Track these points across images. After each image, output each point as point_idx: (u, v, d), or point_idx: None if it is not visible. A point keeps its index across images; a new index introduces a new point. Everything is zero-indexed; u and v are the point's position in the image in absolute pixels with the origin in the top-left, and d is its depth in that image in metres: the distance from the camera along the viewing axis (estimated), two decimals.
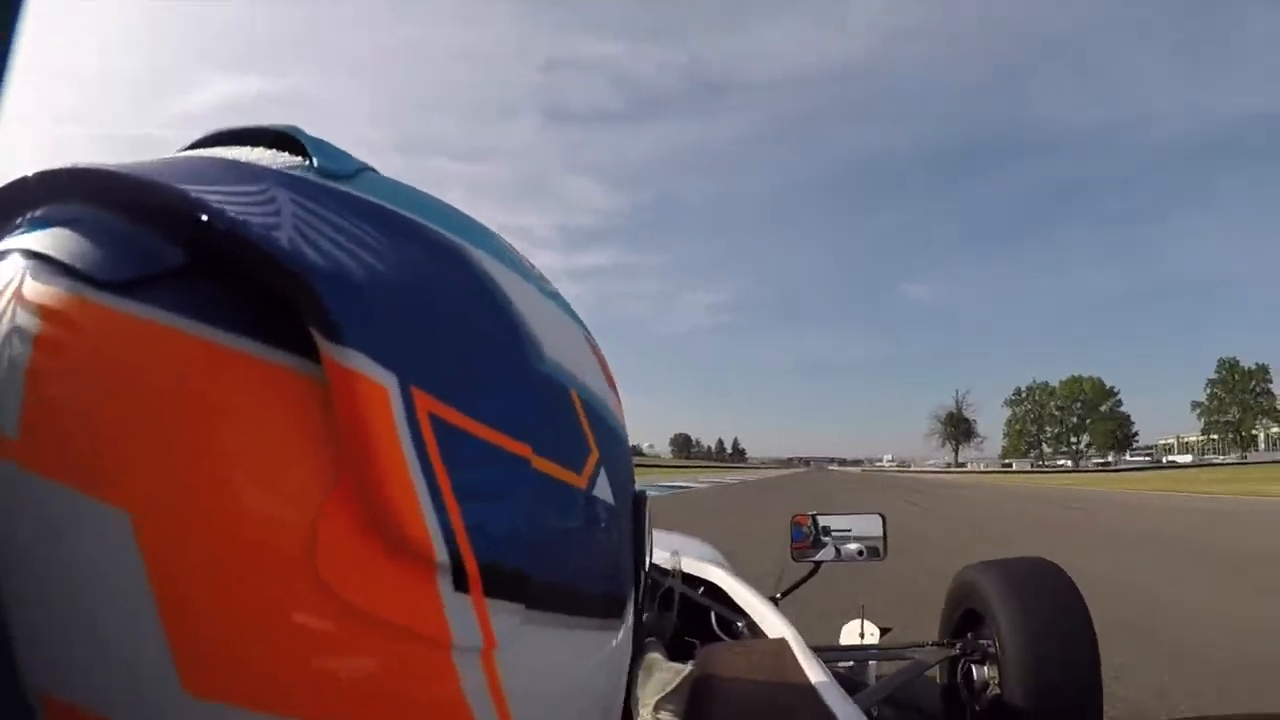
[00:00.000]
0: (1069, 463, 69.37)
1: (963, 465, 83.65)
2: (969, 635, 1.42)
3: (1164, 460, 65.68)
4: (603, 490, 0.25)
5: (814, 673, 0.65)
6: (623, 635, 0.28)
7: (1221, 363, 61.69)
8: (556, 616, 0.23)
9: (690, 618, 1.04)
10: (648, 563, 0.32)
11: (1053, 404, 72.89)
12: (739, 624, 0.98)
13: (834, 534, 1.47)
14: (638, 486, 0.30)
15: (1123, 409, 70.33)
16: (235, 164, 0.23)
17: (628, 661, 0.30)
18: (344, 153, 0.25)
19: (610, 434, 0.27)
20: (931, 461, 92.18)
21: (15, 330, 0.19)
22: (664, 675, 0.64)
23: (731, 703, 0.59)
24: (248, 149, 0.24)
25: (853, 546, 1.45)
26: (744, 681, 0.64)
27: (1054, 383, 73.68)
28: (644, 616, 0.32)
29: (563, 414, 0.24)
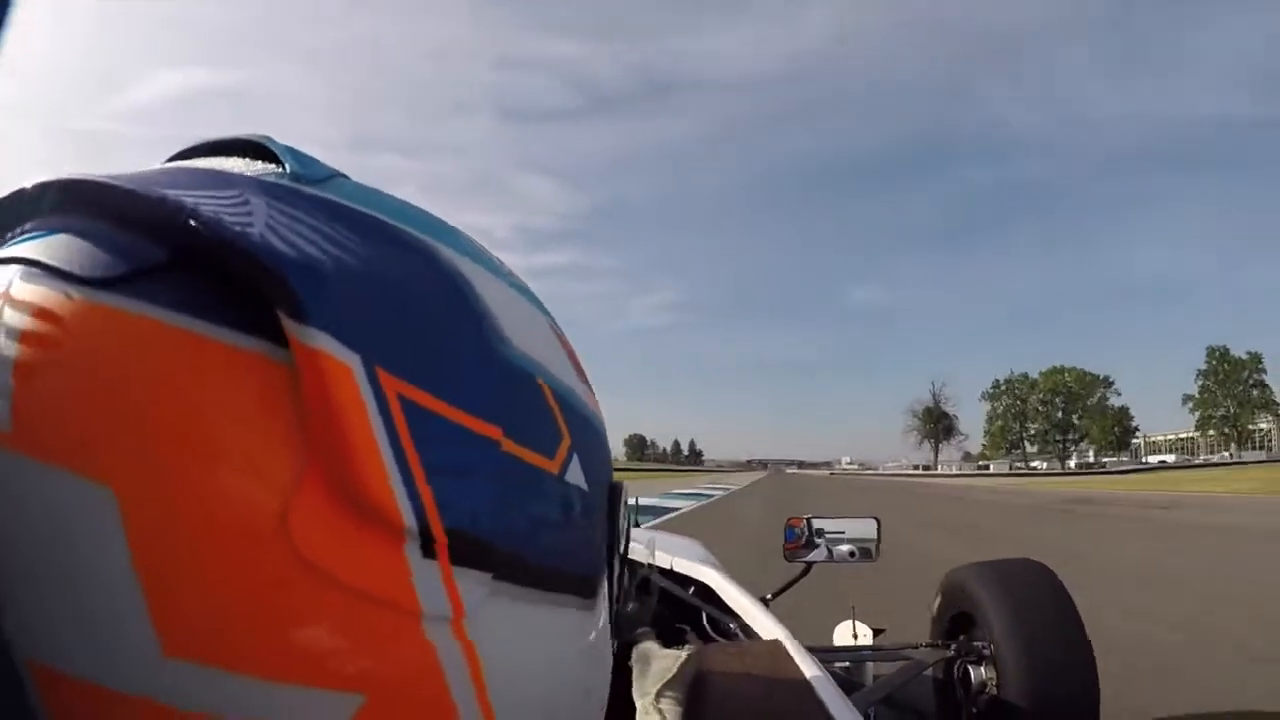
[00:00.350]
0: (1042, 464, 62.42)
1: (928, 468, 75.73)
2: (962, 637, 1.42)
3: (1145, 460, 59.31)
4: (575, 476, 0.26)
5: (811, 673, 0.65)
6: (599, 618, 0.29)
7: (1211, 352, 53.47)
8: (526, 590, 0.24)
9: (681, 617, 1.04)
10: (622, 549, 0.32)
11: (1035, 397, 64.37)
12: (731, 625, 0.97)
13: (827, 536, 1.47)
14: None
15: (1120, 401, 62.13)
16: (211, 172, 0.24)
17: (609, 648, 0.31)
18: (315, 160, 0.26)
19: (583, 422, 0.28)
20: (893, 464, 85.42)
21: (4, 329, 0.20)
22: (662, 664, 0.64)
23: (729, 704, 0.58)
24: (224, 159, 0.25)
25: (845, 548, 1.45)
26: (741, 682, 0.64)
27: (1035, 374, 65.34)
28: (628, 606, 0.33)
29: (532, 401, 0.25)
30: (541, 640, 0.25)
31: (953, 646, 1.39)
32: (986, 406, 68.73)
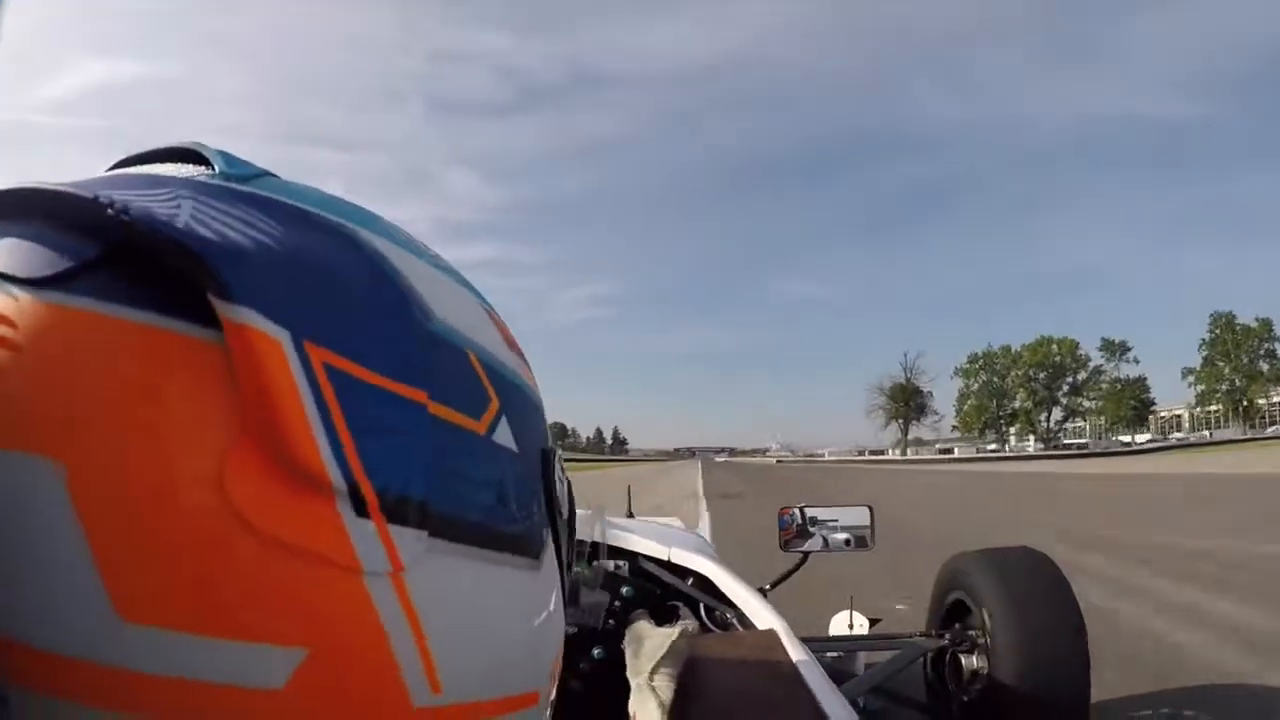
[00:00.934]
0: (1031, 446, 52.62)
1: (879, 452, 65.81)
2: (957, 626, 1.41)
3: (1131, 442, 47.03)
4: (503, 437, 0.28)
5: (803, 663, 0.65)
6: (543, 578, 0.30)
7: (1215, 319, 46.17)
8: (463, 548, 0.25)
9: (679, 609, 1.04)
10: (563, 513, 0.33)
11: (1016, 373, 55.03)
12: (728, 615, 0.97)
13: (821, 524, 1.46)
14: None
15: (1136, 371, 51.37)
16: (145, 175, 0.26)
17: (560, 614, 0.32)
18: (245, 161, 0.27)
19: (512, 388, 0.29)
20: (832, 450, 75.02)
21: None
22: (655, 641, 0.64)
23: (722, 694, 0.59)
24: (159, 165, 0.27)
25: (840, 536, 1.44)
26: (734, 673, 0.64)
27: (1018, 346, 55.39)
28: (573, 569, 0.34)
29: (457, 367, 0.27)
30: (482, 596, 0.26)
31: (946, 636, 1.38)
32: (960, 383, 58.52)
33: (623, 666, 0.61)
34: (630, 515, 1.68)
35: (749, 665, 0.66)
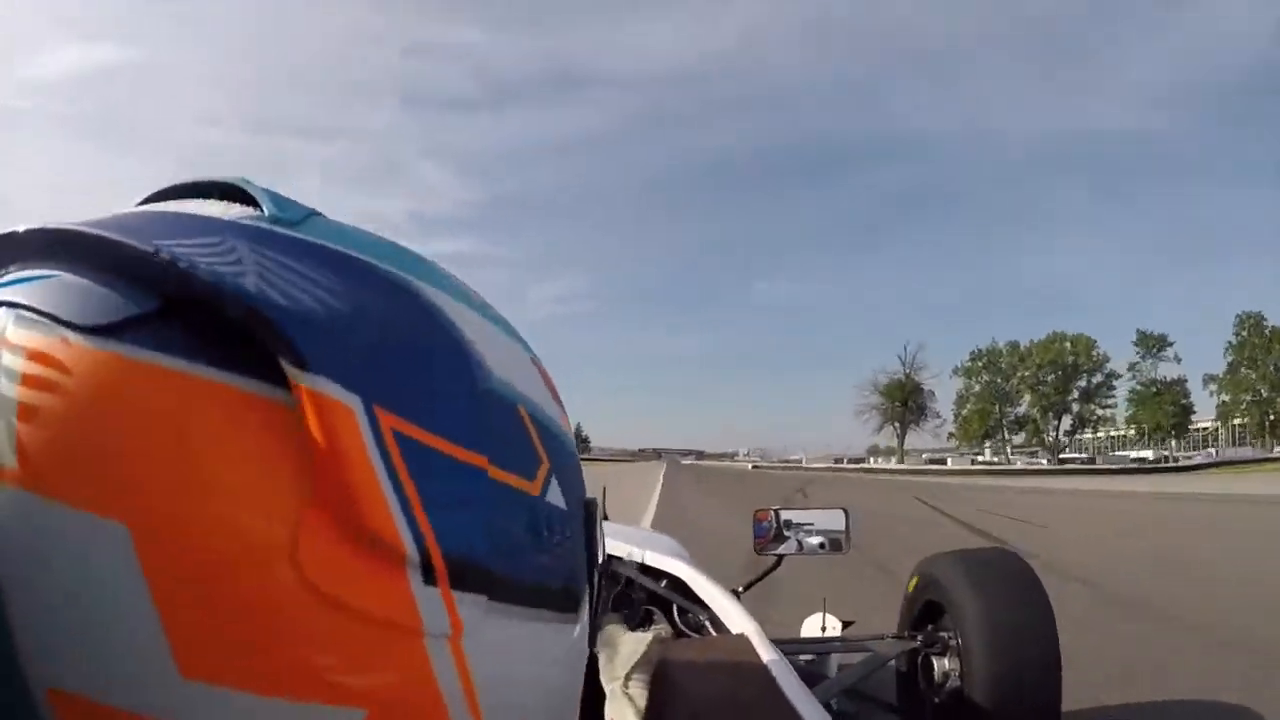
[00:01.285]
0: (1044, 460, 44.12)
1: (859, 461, 57.33)
2: (929, 627, 1.42)
3: (1211, 453, 39.30)
4: (555, 496, 0.28)
5: (775, 666, 0.65)
6: (580, 629, 0.30)
7: (1241, 320, 39.75)
8: (517, 609, 0.25)
9: (652, 609, 1.05)
10: (600, 561, 0.34)
11: (1023, 374, 47.04)
12: (702, 617, 0.99)
13: (796, 528, 1.48)
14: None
15: (1175, 372, 43.08)
16: (192, 217, 0.25)
17: (586, 654, 0.32)
18: (292, 201, 0.27)
19: (558, 445, 0.30)
20: (798, 456, 68.97)
21: (2, 370, 0.21)
22: (629, 647, 0.65)
23: (695, 700, 0.59)
24: (200, 201, 0.27)
25: (814, 540, 1.45)
26: (704, 675, 0.65)
27: (1027, 343, 47.03)
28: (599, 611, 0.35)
29: (513, 428, 0.27)
30: (528, 652, 0.27)
31: (918, 638, 1.39)
32: (960, 384, 50.21)
33: (596, 672, 0.62)
34: (605, 518, 1.70)
35: (722, 669, 0.67)
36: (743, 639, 0.76)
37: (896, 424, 53.43)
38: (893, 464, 49.79)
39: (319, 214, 0.28)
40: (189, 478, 0.20)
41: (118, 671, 0.20)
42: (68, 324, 0.21)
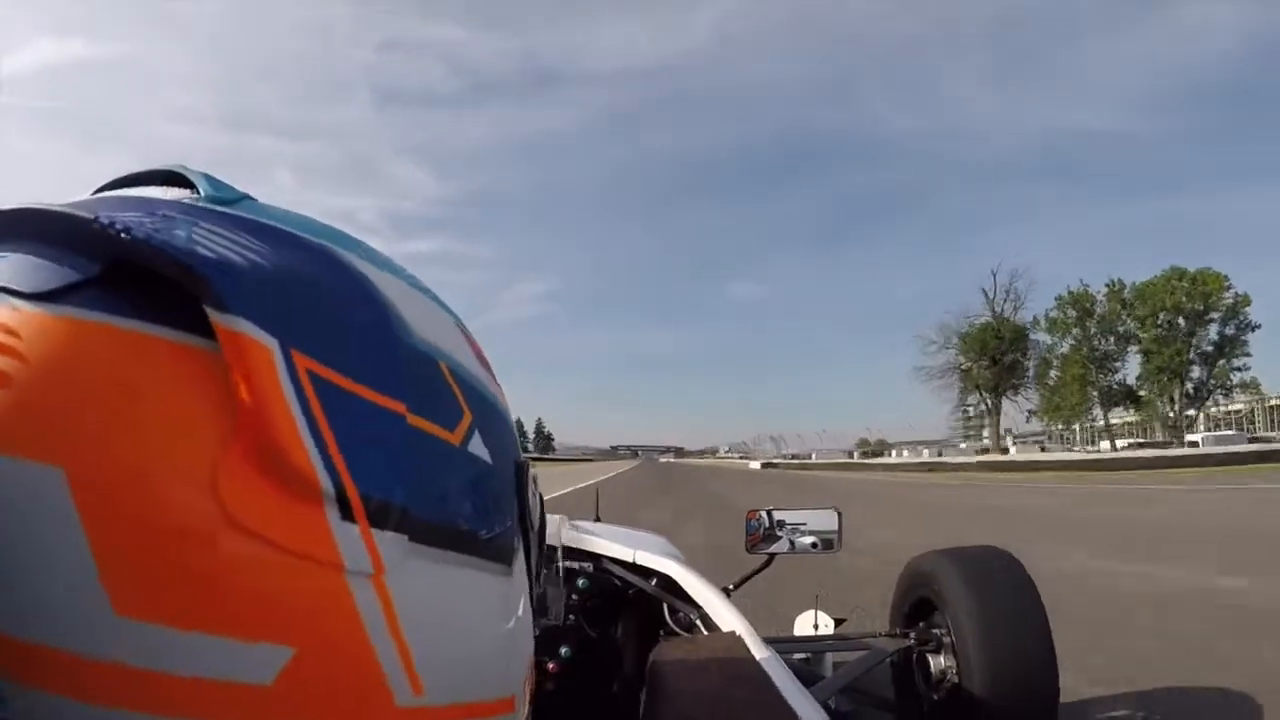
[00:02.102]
0: (1198, 441, 26.10)
1: (879, 454, 41.88)
2: (922, 624, 1.42)
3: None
4: (477, 448, 0.29)
5: (768, 665, 0.64)
6: (517, 589, 0.31)
7: None
8: (440, 552, 0.26)
9: (644, 607, 1.05)
10: (534, 524, 0.35)
11: (1128, 319, 32.43)
12: (692, 615, 0.98)
13: (788, 527, 1.46)
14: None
15: None
16: (135, 198, 0.27)
17: (530, 621, 0.33)
18: (227, 184, 0.29)
19: (483, 402, 0.31)
20: (820, 452, 56.72)
21: None
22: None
23: (685, 699, 0.58)
24: (144, 189, 0.28)
25: (806, 539, 1.44)
26: (697, 675, 0.63)
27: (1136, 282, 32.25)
28: (541, 578, 0.34)
29: (434, 381, 0.28)
30: (458, 600, 0.27)
31: (912, 635, 1.39)
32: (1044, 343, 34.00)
33: (591, 664, 0.60)
34: (597, 519, 1.67)
35: (715, 667, 0.66)
36: (735, 637, 0.75)
37: (987, 396, 33.98)
38: (1000, 454, 30.00)
39: (252, 198, 0.29)
40: (120, 422, 0.21)
41: (54, 613, 0.21)
42: (15, 293, 0.22)
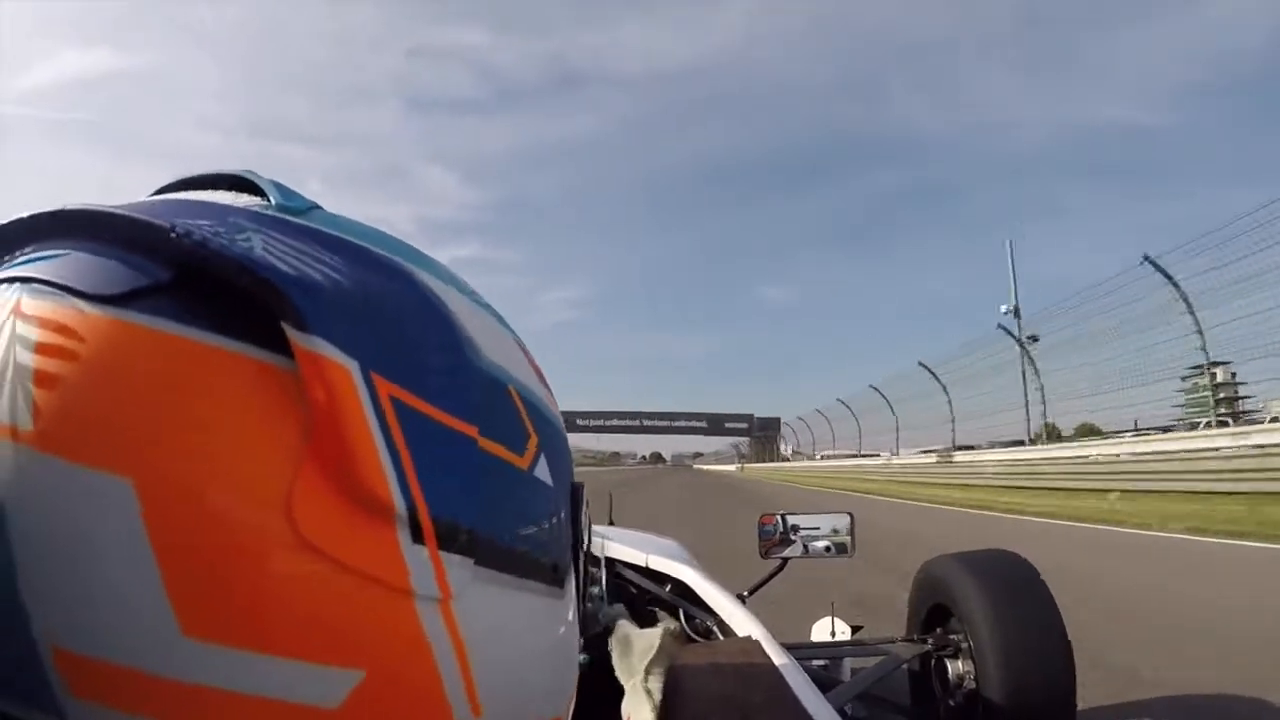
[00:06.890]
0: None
1: (945, 454, 18.25)
2: (938, 630, 1.41)
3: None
4: (542, 472, 0.29)
5: (786, 670, 0.65)
6: (567, 605, 0.31)
7: None
8: (504, 576, 0.26)
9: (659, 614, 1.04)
10: (585, 543, 0.35)
11: None
12: (708, 621, 0.98)
13: (801, 532, 1.47)
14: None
15: None
16: (203, 203, 0.27)
17: (576, 633, 0.33)
18: (296, 193, 0.29)
19: (548, 425, 0.31)
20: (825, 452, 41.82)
21: (18, 339, 0.22)
22: (643, 642, 0.65)
23: (703, 702, 0.59)
24: (211, 193, 0.28)
25: (820, 543, 1.45)
26: (714, 680, 0.64)
27: None
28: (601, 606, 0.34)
29: (503, 404, 0.28)
30: (516, 622, 0.27)
31: (929, 640, 1.38)
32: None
33: (606, 671, 0.61)
34: (611, 523, 1.69)
35: (733, 672, 0.66)
36: (752, 642, 0.75)
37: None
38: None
39: (321, 207, 0.29)
40: (191, 437, 0.21)
41: (120, 629, 0.20)
42: (81, 294, 0.22)
